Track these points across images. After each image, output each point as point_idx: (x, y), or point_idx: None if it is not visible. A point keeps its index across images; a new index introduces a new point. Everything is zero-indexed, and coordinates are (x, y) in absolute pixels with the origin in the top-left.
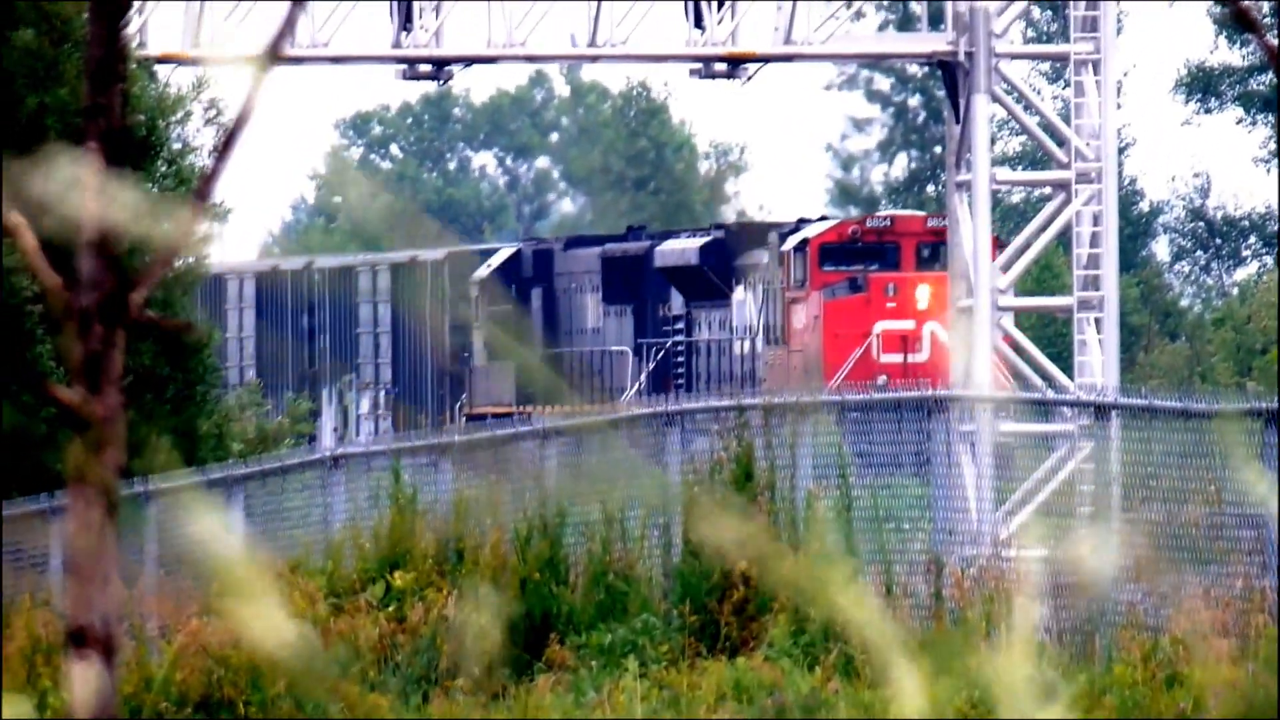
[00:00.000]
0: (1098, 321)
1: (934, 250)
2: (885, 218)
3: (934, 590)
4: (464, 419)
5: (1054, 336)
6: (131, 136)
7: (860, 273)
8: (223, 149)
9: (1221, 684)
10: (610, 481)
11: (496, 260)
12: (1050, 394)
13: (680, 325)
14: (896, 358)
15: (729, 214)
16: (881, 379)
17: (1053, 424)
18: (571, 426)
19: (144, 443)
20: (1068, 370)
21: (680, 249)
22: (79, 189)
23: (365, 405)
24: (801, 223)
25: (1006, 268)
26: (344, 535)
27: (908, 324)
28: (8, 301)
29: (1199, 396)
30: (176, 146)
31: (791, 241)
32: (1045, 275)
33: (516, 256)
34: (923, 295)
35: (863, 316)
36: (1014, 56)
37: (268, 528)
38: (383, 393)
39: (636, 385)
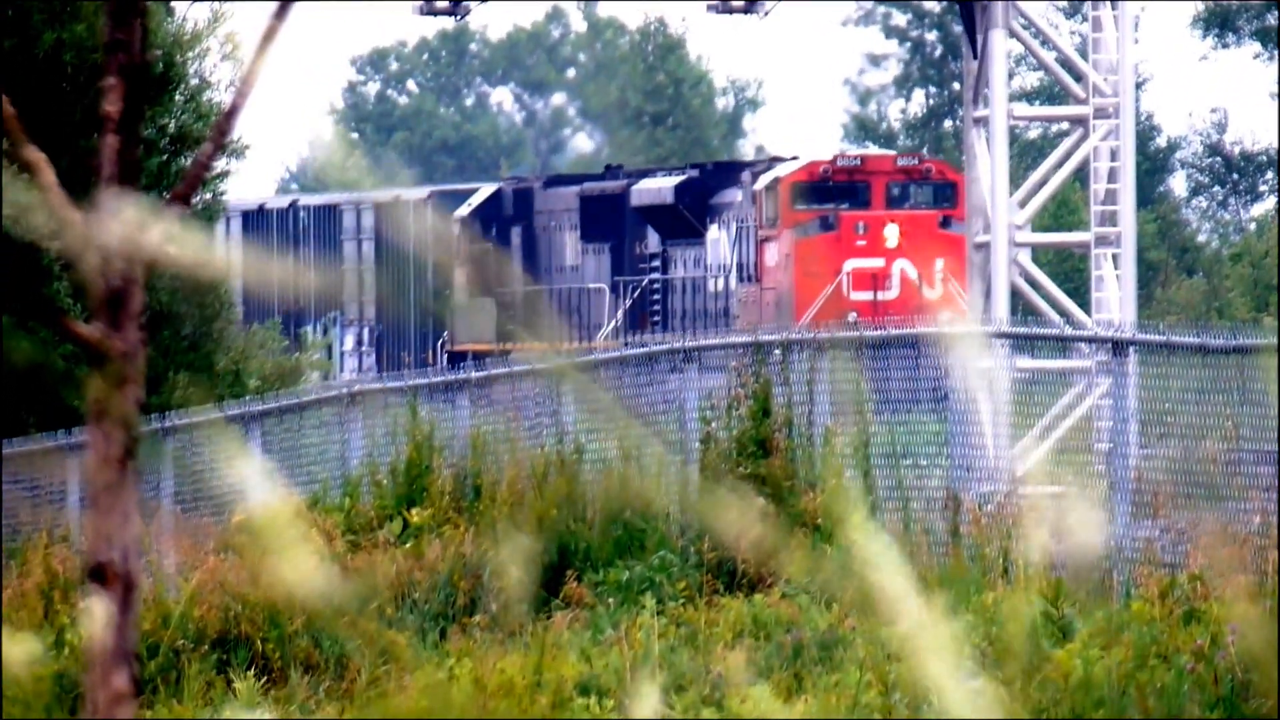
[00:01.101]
0: (1115, 257)
1: (904, 189)
2: (855, 157)
3: (951, 527)
4: (445, 356)
5: (1070, 272)
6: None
7: (831, 211)
8: (241, 85)
9: (1239, 619)
10: (628, 418)
11: (477, 199)
12: (1068, 329)
13: (656, 263)
14: (866, 295)
15: (747, 150)
16: (851, 316)
17: (1070, 360)
18: (586, 363)
19: (161, 379)
20: (1085, 306)
21: (656, 188)
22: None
23: (350, 342)
24: (774, 161)
25: (1023, 203)
26: (361, 472)
27: (877, 262)
28: (25, 238)
29: (1217, 332)
30: (194, 82)
31: (764, 180)
32: (1062, 211)
33: (497, 195)
34: (892, 234)
35: (833, 254)
36: None
37: (285, 464)
38: (366, 330)
39: (613, 322)
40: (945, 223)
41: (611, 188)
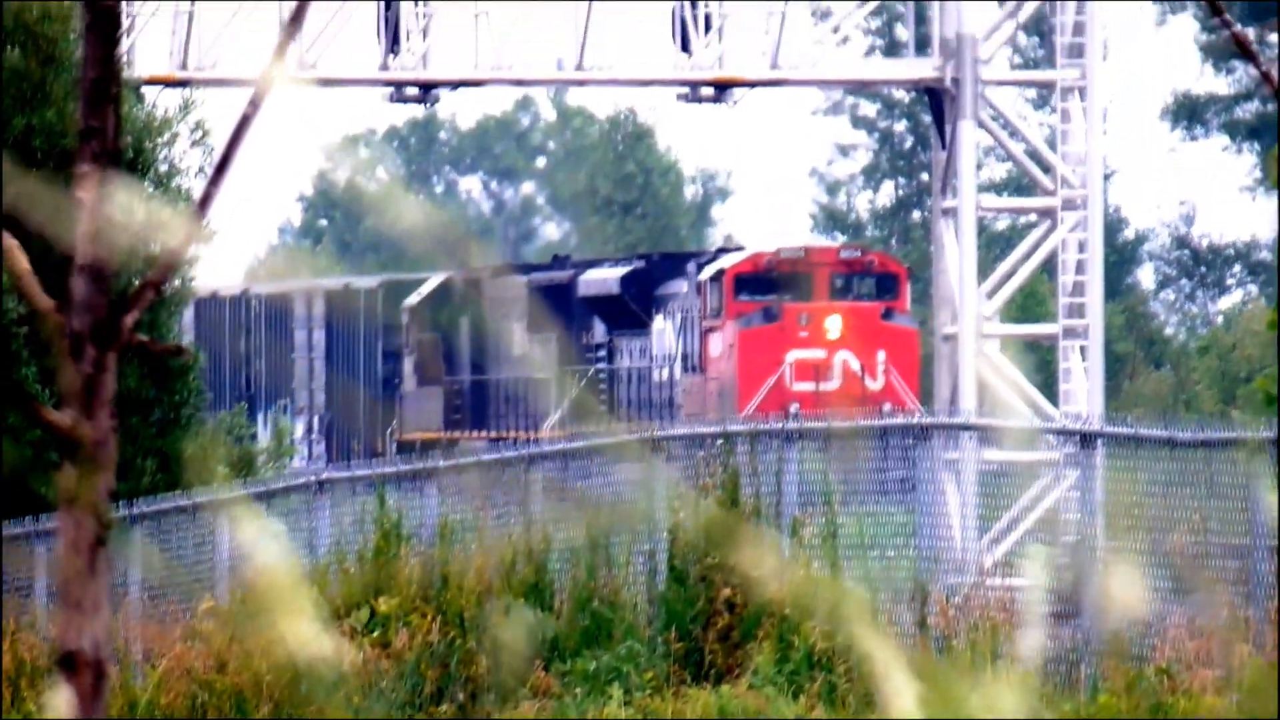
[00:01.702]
0: (1082, 349)
1: (847, 281)
2: (799, 249)
3: (919, 618)
4: (394, 445)
5: (1039, 364)
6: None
7: (774, 302)
8: (217, 170)
9: (1206, 714)
10: (595, 507)
11: (427, 288)
12: (1035, 422)
13: (603, 353)
14: (809, 386)
15: (716, 239)
16: (793, 406)
17: (1038, 452)
18: (556, 452)
19: (130, 465)
20: (1052, 398)
21: (602, 278)
22: (72, 209)
23: (299, 429)
24: (720, 252)
25: (991, 294)
26: (329, 559)
27: (819, 353)
28: None
29: (1184, 425)
30: (163, 168)
31: (708, 271)
32: (1029, 302)
33: (447, 284)
34: (834, 325)
35: (776, 345)
36: (1000, 83)
37: (252, 551)
38: (316, 417)
39: (559, 411)
40: (888, 314)
41: (559, 278)
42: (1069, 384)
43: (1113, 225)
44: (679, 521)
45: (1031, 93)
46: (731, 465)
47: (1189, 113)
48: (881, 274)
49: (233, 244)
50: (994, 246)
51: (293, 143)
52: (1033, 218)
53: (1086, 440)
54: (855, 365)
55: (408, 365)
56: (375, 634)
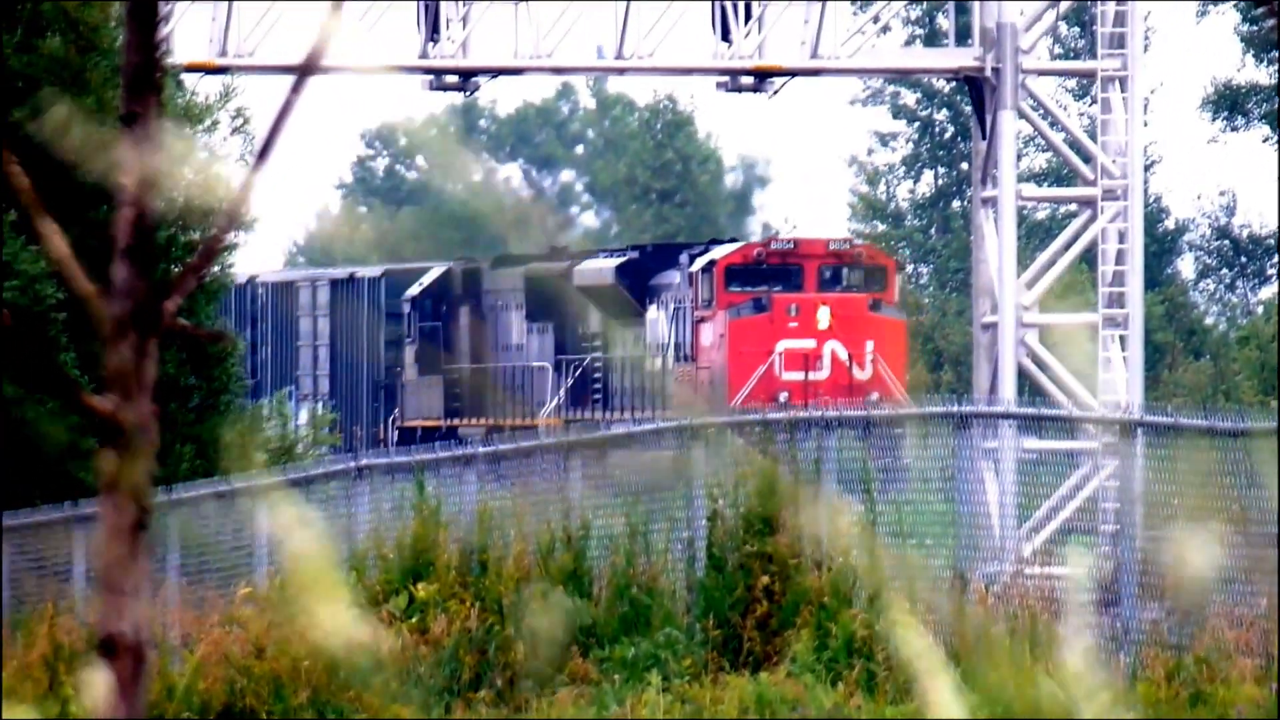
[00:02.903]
0: (1122, 339)
1: (835, 272)
2: (789, 241)
3: (957, 607)
4: (396, 432)
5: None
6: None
7: (764, 293)
8: (258, 158)
9: (1245, 703)
10: (634, 494)
11: (428, 279)
12: (1074, 411)
13: (598, 342)
14: (798, 375)
15: (755, 227)
16: (783, 395)
17: (1077, 441)
18: (596, 440)
19: (168, 451)
20: (1091, 388)
21: (597, 268)
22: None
23: (304, 417)
24: (712, 244)
25: (1031, 284)
26: (367, 546)
27: (809, 343)
28: (33, 309)
29: (1224, 415)
30: (203, 155)
31: (700, 262)
32: (1069, 292)
33: (447, 275)
34: (823, 315)
35: (766, 335)
36: (1041, 73)
37: (291, 537)
38: (320, 404)
39: (556, 400)
40: (875, 305)
41: (555, 269)
42: (1109, 373)
43: (1153, 215)
44: (718, 509)
45: (1072, 83)
46: (771, 454)
47: (1230, 103)
48: (870, 266)
49: (272, 230)
50: (1034, 236)
51: (331, 130)
52: (1073, 208)
53: (1126, 430)
54: (844, 355)
55: (409, 354)
56: (413, 620)
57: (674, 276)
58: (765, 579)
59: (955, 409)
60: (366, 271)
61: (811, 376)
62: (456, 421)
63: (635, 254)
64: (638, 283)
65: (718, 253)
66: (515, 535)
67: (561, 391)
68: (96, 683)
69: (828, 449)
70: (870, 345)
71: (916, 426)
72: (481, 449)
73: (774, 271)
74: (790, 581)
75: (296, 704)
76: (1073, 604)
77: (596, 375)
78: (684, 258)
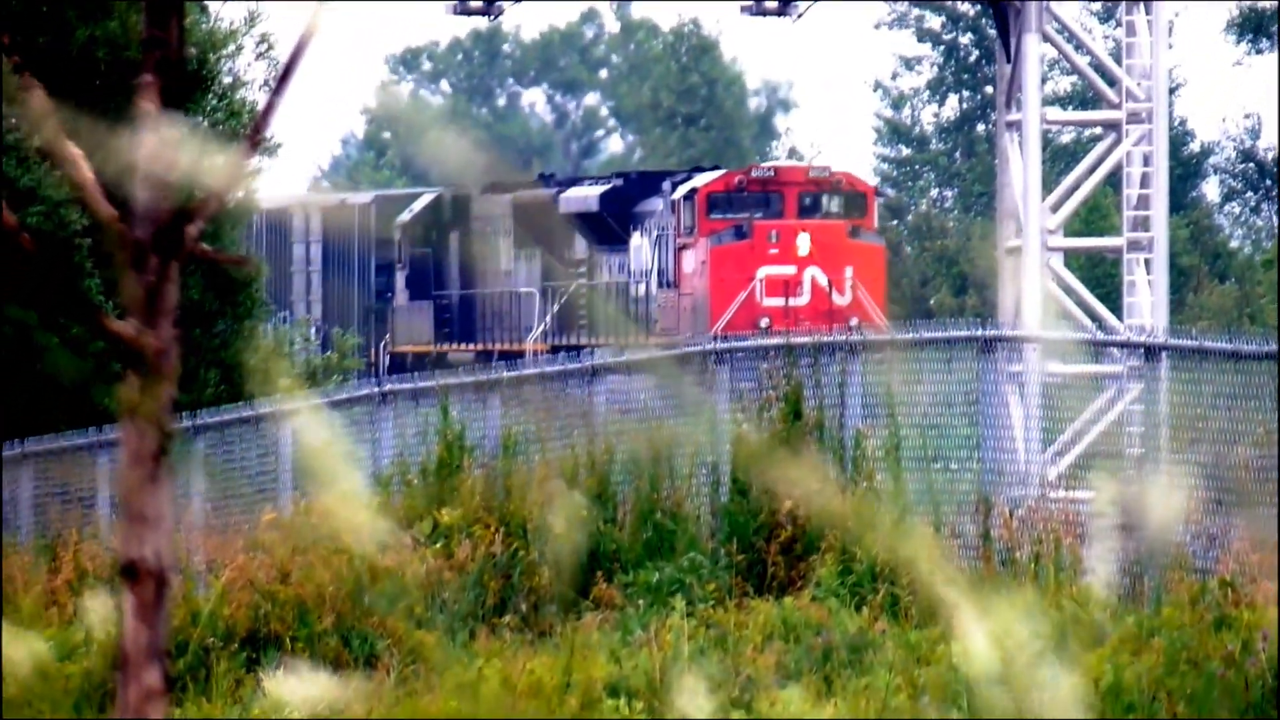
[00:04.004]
0: (1147, 262)
1: (815, 200)
2: (769, 168)
3: (982, 531)
4: (388, 357)
5: (1102, 277)
6: (186, 69)
7: (745, 220)
8: (278, 83)
9: (1269, 626)
10: (658, 419)
11: (418, 205)
12: (1099, 335)
13: (583, 269)
14: (778, 301)
15: (779, 151)
16: (764, 321)
17: (1102, 365)
18: (619, 364)
19: (192, 377)
20: (1116, 311)
21: (582, 196)
22: (137, 121)
23: (296, 341)
24: (694, 172)
25: (1056, 208)
26: (392, 471)
27: (789, 269)
28: (58, 234)
29: (1249, 338)
30: (227, 80)
31: (682, 190)
32: (1093, 216)
33: (437, 201)
34: (803, 242)
35: (747, 262)
36: None
37: (314, 462)
38: (313, 329)
39: (542, 325)
40: (855, 232)
41: (542, 195)
42: (1133, 297)
43: (1177, 139)
44: (741, 434)
45: (1097, 6)
46: (795, 378)
47: (1255, 26)
48: (849, 193)
49: (296, 156)
50: (1059, 160)
51: (355, 55)
52: (1097, 131)
53: (1151, 353)
54: (823, 281)
55: (400, 280)
56: (438, 545)
57: (657, 204)
58: (789, 504)
59: (980, 333)
60: (356, 198)
61: (792, 302)
62: (446, 347)
63: (619, 181)
64: (622, 210)
65: (699, 180)
66: (540, 461)
67: (548, 317)
68: (124, 607)
69: (852, 373)
70: (850, 271)
71: (940, 350)
72: (506, 373)
73: (754, 199)
74: (814, 506)
75: (321, 629)
76: (1097, 528)
77: (582, 301)
78: (666, 185)
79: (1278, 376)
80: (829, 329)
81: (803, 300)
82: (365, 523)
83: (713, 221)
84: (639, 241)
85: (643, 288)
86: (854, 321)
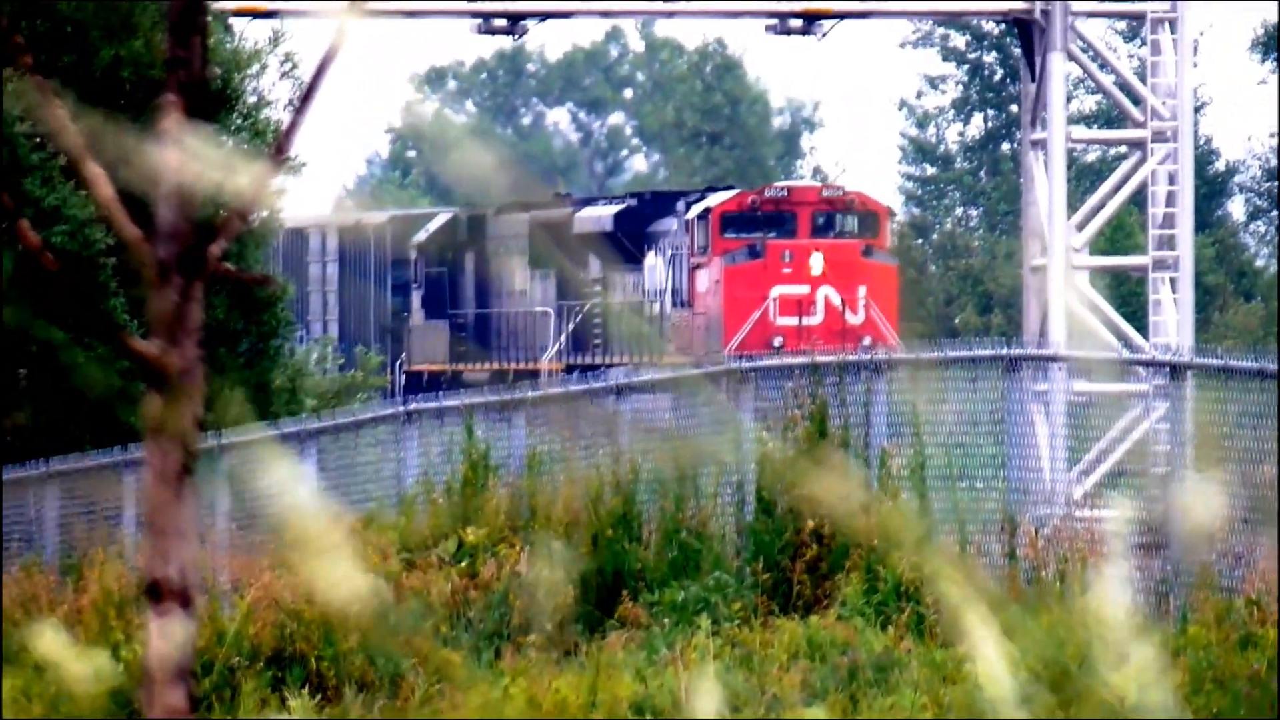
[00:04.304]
0: (1172, 281)
1: (828, 219)
2: (783, 188)
3: (1007, 550)
4: (404, 377)
5: (1128, 296)
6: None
7: (759, 240)
8: (301, 102)
9: None
10: (683, 438)
11: (434, 225)
12: (1125, 354)
13: (598, 288)
14: (792, 320)
15: (804, 170)
16: (777, 340)
17: (1127, 384)
18: (644, 383)
19: (217, 396)
20: (1142, 330)
21: (597, 215)
22: (159, 140)
23: (312, 360)
24: (708, 191)
25: (1081, 226)
26: (417, 490)
27: (802, 289)
28: (82, 254)
29: (1274, 357)
30: (252, 100)
31: (696, 210)
32: (1118, 235)
33: (453, 221)
34: (816, 262)
35: (760, 281)
36: (1090, 15)
37: (340, 482)
38: (329, 350)
39: (557, 344)
40: (868, 251)
41: (558, 215)
42: (1159, 316)
43: (1203, 157)
44: (767, 453)
45: (1122, 24)
46: (820, 397)
47: (1279, 44)
48: (862, 212)
49: (321, 175)
50: (1083, 179)
51: (380, 74)
52: (1123, 150)
53: (1176, 372)
54: (837, 300)
55: (415, 299)
56: (463, 564)
57: (671, 224)
58: (814, 522)
59: (1005, 352)
60: (372, 218)
61: (805, 322)
62: (462, 366)
63: (634, 201)
64: (636, 230)
65: (713, 200)
66: (564, 479)
67: (563, 337)
68: (149, 627)
69: (878, 392)
70: (863, 290)
71: (965, 369)
72: (531, 394)
73: (768, 218)
74: (839, 525)
75: (346, 648)
76: (1122, 547)
77: (596, 320)
78: (681, 205)
79: (1277, 395)
80: (842, 348)
81: (816, 319)
82: (360, 563)
83: (726, 241)
84: (653, 261)
85: (657, 307)
86: (867, 340)
